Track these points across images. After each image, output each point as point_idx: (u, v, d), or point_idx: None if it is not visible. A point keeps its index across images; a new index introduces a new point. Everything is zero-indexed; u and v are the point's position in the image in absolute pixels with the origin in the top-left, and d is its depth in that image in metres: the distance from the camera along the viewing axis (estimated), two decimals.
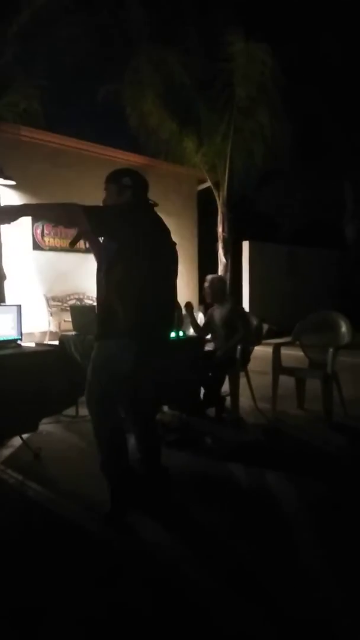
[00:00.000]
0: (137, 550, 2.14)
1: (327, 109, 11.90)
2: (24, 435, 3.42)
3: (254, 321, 4.75)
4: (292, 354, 4.81)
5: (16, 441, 3.48)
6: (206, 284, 4.39)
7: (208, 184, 10.10)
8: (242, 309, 4.50)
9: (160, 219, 2.43)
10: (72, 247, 2.33)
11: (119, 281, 2.22)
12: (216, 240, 10.00)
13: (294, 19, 10.89)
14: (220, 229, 9.87)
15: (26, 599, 1.85)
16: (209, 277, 4.44)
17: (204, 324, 4.44)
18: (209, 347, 4.42)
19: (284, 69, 8.77)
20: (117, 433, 2.38)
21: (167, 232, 2.44)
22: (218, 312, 4.32)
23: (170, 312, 2.49)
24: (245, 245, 11.01)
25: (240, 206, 10.50)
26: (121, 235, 2.19)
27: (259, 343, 4.68)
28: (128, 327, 2.19)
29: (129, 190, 2.36)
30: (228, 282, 9.79)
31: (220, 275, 4.56)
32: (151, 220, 2.35)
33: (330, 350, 4.14)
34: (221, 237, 9.87)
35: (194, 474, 3.01)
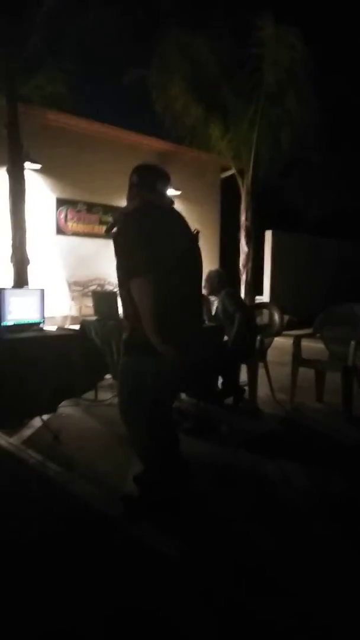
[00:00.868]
0: (153, 535, 2.18)
1: (357, 96, 11.57)
2: (44, 417, 3.49)
3: (276, 312, 4.72)
4: (312, 346, 4.77)
5: (37, 422, 3.55)
6: (204, 280, 4.35)
7: (232, 171, 9.98)
8: (232, 291, 4.43)
9: (171, 217, 2.32)
10: (107, 234, 2.25)
11: (135, 292, 2.11)
12: (239, 229, 9.91)
13: (325, 1, 10.58)
14: (243, 218, 9.76)
15: (38, 584, 1.90)
16: (207, 271, 4.43)
17: (213, 315, 4.44)
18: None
19: (314, 54, 8.55)
20: (166, 445, 2.33)
21: (181, 229, 2.32)
22: (219, 304, 4.33)
23: (196, 313, 2.40)
24: (268, 234, 10.89)
25: (264, 195, 10.35)
26: (127, 249, 2.12)
27: (279, 334, 4.65)
28: (152, 339, 2.08)
29: (135, 188, 2.34)
30: (249, 271, 9.75)
31: (217, 269, 4.53)
32: (155, 222, 2.19)
33: (352, 343, 4.09)
34: (244, 226, 9.76)
35: (210, 462, 3.03)
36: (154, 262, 2.05)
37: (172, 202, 2.39)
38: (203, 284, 4.29)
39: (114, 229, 2.20)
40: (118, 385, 2.36)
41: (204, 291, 4.35)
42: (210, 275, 4.37)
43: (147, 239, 2.08)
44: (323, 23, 10.29)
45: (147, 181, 2.32)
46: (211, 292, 4.40)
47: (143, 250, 2.06)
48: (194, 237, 2.39)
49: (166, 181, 2.38)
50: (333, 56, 10.69)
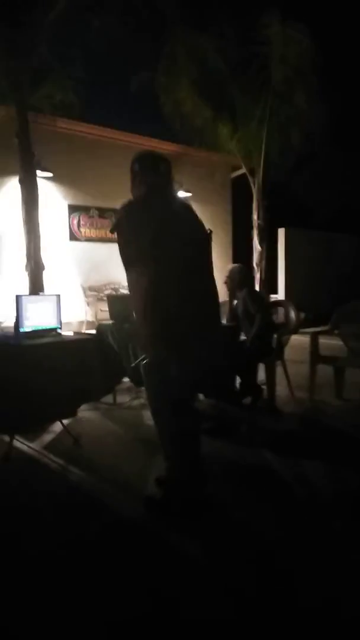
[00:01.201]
0: (175, 537, 2.18)
1: None
2: (64, 421, 3.52)
3: (292, 310, 4.68)
4: (329, 343, 4.73)
5: (57, 427, 3.58)
6: (226, 276, 4.29)
7: (242, 170, 9.95)
8: (255, 291, 4.35)
9: (174, 207, 2.30)
10: (112, 234, 2.27)
11: (138, 285, 2.13)
12: (251, 228, 9.87)
13: None
14: (255, 216, 9.73)
15: (62, 586, 1.92)
16: (229, 267, 4.37)
17: (230, 313, 4.38)
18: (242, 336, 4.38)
19: (321, 50, 8.50)
20: (190, 439, 2.33)
21: (186, 220, 2.30)
22: (239, 302, 4.26)
23: (207, 304, 2.35)
24: (281, 232, 10.83)
25: (276, 192, 10.29)
26: (127, 241, 2.15)
27: (295, 332, 4.62)
28: (160, 333, 2.10)
29: (138, 175, 2.34)
30: (263, 269, 9.70)
31: (240, 265, 4.43)
32: (160, 211, 2.18)
33: None
34: (256, 224, 9.73)
35: (229, 462, 3.02)
36: (149, 253, 2.03)
37: (178, 187, 2.38)
38: (224, 280, 4.26)
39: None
40: (146, 382, 2.37)
41: (225, 288, 4.27)
42: (233, 272, 4.24)
43: (142, 230, 2.07)
44: (329, 19, 10.22)
45: (150, 166, 2.34)
46: (233, 289, 4.27)
47: (137, 241, 2.06)
48: (203, 230, 2.37)
49: (167, 164, 2.38)
50: (341, 51, 10.60)
